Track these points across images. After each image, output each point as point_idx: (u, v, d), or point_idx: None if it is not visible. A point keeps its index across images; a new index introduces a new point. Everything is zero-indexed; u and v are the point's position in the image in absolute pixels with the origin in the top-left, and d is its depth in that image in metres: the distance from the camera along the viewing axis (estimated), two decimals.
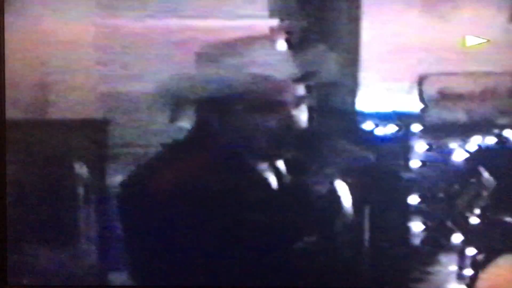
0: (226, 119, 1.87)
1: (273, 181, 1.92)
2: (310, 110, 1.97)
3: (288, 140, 1.88)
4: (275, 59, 1.88)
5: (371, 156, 1.80)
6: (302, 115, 1.90)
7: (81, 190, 3.07)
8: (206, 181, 1.81)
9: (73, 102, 3.07)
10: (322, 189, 1.82)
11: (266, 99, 1.85)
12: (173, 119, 1.96)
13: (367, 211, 2.87)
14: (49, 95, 3.08)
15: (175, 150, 1.90)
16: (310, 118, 1.92)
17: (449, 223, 2.24)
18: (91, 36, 3.10)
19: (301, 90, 1.92)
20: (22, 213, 2.99)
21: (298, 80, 1.90)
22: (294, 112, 1.88)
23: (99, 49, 3.11)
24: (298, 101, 1.88)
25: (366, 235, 2.77)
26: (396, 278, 2.26)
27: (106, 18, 3.16)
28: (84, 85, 3.08)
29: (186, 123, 1.95)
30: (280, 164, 1.95)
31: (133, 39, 3.18)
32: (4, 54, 2.79)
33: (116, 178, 2.99)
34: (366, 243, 2.56)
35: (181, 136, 2.03)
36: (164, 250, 1.80)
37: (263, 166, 1.92)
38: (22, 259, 2.90)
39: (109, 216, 3.01)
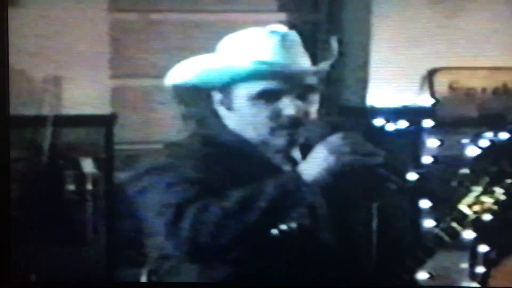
0: (234, 108, 1.86)
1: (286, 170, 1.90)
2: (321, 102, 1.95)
3: (297, 130, 1.86)
4: (285, 50, 1.87)
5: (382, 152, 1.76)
6: (312, 106, 1.87)
7: (87, 187, 3.06)
8: (218, 172, 1.80)
9: (80, 97, 3.05)
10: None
11: (274, 90, 1.83)
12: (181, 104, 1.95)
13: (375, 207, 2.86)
14: (56, 90, 3.07)
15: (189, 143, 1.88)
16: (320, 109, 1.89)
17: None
18: (100, 30, 3.09)
19: (311, 80, 1.89)
20: (27, 211, 2.97)
21: (309, 71, 1.88)
22: (304, 102, 1.85)
23: (108, 43, 3.11)
24: (308, 91, 1.86)
25: (376, 231, 2.76)
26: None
27: (116, 12, 3.15)
28: (92, 80, 3.06)
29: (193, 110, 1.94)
30: (295, 154, 1.93)
31: (142, 33, 3.18)
32: (8, 49, 2.76)
33: (123, 174, 2.97)
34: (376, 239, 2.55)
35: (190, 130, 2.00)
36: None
37: (275, 156, 1.90)
38: (26, 257, 2.88)
39: (116, 213, 3.00)
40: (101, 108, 3.10)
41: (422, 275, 2.87)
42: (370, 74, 3.14)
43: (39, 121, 3.00)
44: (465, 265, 2.92)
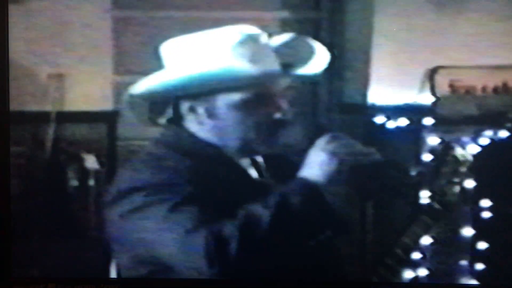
0: (213, 115, 1.76)
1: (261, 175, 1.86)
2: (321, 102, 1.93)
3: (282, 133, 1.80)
4: (258, 52, 1.78)
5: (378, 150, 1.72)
6: (287, 107, 1.80)
7: (88, 182, 3.07)
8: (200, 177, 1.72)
9: (83, 94, 3.07)
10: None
11: (251, 92, 1.75)
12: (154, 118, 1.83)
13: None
14: (59, 87, 3.08)
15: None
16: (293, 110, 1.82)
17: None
18: (103, 26, 3.10)
19: (284, 82, 1.82)
20: (30, 206, 2.98)
21: (279, 73, 1.81)
22: (281, 104, 1.78)
23: (111, 40, 3.12)
24: (283, 93, 1.79)
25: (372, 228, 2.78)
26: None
27: (119, 9, 3.16)
28: (95, 77, 3.08)
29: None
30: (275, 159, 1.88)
31: (145, 31, 3.19)
32: (8, 45, 2.76)
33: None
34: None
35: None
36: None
37: (247, 161, 1.84)
38: (26, 252, 2.89)
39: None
40: (104, 104, 3.12)
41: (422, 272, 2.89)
42: (372, 72, 3.16)
43: (42, 117, 3.02)
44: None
